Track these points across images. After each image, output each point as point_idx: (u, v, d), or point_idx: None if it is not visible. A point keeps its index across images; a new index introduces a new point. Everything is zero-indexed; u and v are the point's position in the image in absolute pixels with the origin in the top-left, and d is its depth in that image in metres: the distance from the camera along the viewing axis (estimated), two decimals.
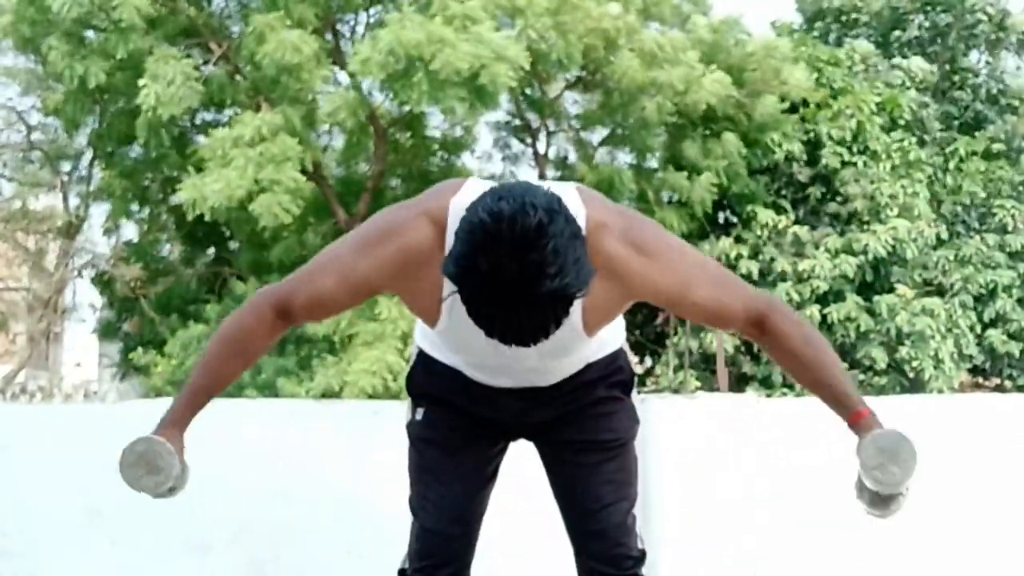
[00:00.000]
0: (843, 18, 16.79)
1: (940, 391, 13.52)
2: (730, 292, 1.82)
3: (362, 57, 11.21)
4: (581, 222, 1.62)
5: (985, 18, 16.20)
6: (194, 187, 11.34)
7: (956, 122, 16.22)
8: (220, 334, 1.87)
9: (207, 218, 11.63)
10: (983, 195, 15.30)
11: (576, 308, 1.71)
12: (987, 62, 16.80)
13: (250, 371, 11.46)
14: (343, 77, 12.63)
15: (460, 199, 1.70)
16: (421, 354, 2.13)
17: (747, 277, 13.77)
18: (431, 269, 1.71)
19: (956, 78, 16.46)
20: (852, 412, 1.78)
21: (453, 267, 1.51)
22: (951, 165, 15.53)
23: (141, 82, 11.55)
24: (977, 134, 15.84)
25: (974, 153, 15.60)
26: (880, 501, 1.81)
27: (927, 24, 16.40)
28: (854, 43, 15.76)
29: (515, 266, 1.43)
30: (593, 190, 1.88)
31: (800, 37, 15.53)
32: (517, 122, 14.50)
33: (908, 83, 15.34)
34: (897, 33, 16.56)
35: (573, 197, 1.73)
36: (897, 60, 15.69)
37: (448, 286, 1.66)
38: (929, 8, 16.44)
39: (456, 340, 1.90)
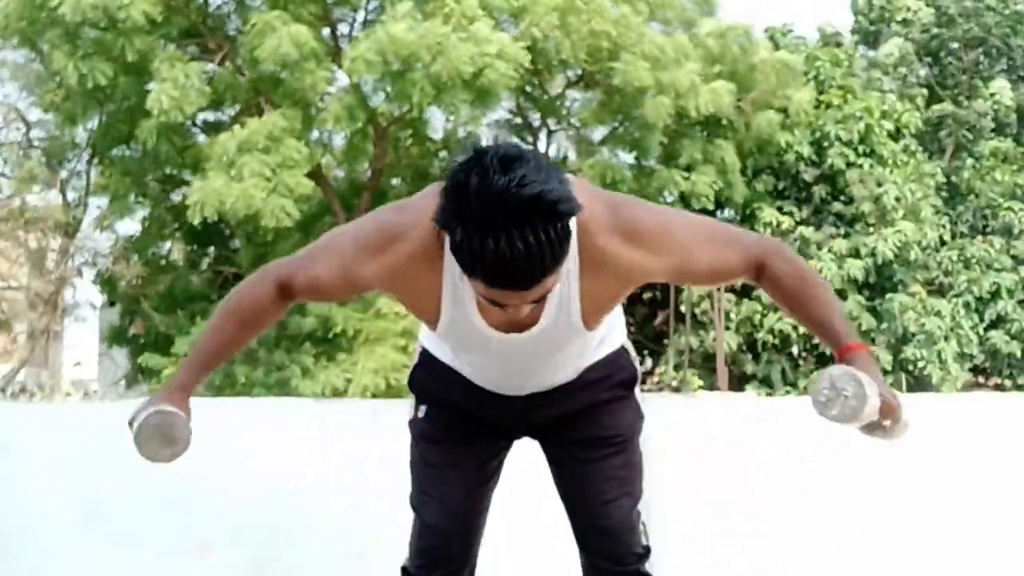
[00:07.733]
0: (884, 17, 16.74)
1: (946, 391, 13.52)
2: (727, 249, 1.82)
3: (354, 55, 11.20)
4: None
5: None
6: (201, 191, 11.40)
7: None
8: (228, 305, 1.89)
9: (209, 220, 11.65)
10: (999, 200, 15.31)
11: (573, 299, 1.73)
12: None
13: (258, 369, 11.55)
14: (343, 77, 12.62)
15: None
16: (424, 352, 2.12)
17: None
18: (433, 269, 1.72)
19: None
20: (841, 346, 1.79)
21: (444, 188, 1.52)
22: (968, 164, 15.52)
23: (150, 86, 11.55)
24: (1000, 137, 15.83)
25: (994, 155, 15.60)
26: (875, 429, 1.77)
27: (973, 27, 16.33)
28: (872, 48, 15.76)
29: (503, 178, 1.46)
30: (581, 179, 1.86)
31: (800, 41, 15.51)
32: (518, 120, 14.48)
33: (993, 105, 15.42)
34: (938, 31, 16.51)
35: None
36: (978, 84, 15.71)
37: (448, 267, 1.67)
38: (974, 14, 16.38)
39: (458, 341, 1.89)
